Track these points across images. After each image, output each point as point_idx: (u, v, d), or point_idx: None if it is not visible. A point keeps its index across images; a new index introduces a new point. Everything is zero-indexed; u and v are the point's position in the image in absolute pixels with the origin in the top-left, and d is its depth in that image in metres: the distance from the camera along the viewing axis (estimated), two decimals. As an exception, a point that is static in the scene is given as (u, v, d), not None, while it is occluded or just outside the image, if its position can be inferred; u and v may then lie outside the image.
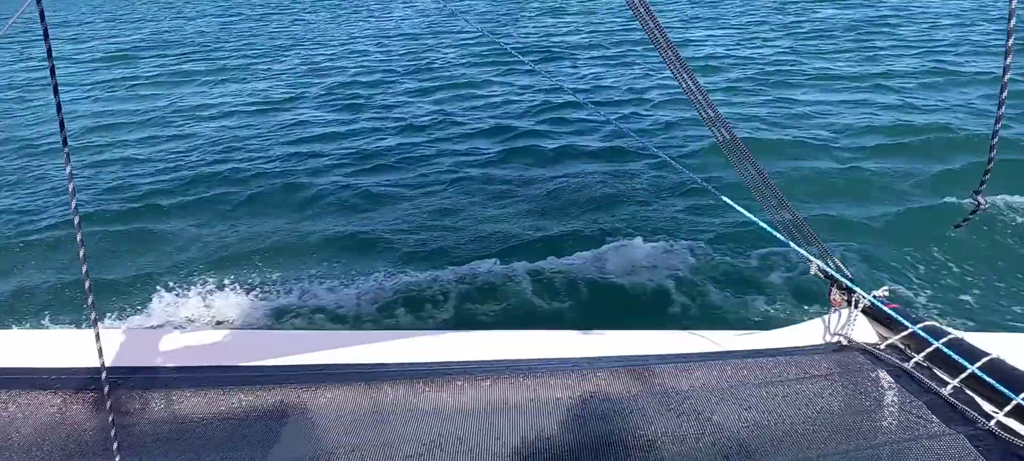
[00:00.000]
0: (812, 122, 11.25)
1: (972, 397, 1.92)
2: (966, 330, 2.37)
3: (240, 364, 2.25)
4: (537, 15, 25.39)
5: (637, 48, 18.02)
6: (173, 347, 2.33)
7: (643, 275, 6.43)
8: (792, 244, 2.72)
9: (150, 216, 8.87)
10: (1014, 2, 2.05)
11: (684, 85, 2.60)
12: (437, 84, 15.77)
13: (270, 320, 6.21)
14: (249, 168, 10.47)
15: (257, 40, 24.23)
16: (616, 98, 13.37)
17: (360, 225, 8.16)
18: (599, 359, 2.24)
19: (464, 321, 5.98)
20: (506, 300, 6.27)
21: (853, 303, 2.44)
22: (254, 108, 14.50)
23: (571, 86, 14.35)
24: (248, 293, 6.69)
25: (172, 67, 20.25)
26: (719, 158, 8.81)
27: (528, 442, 1.86)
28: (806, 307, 5.56)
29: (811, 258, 2.74)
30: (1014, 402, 1.74)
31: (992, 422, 1.77)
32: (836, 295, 2.57)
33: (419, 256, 7.19)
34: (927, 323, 2.25)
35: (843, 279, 2.59)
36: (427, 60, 18.61)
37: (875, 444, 1.76)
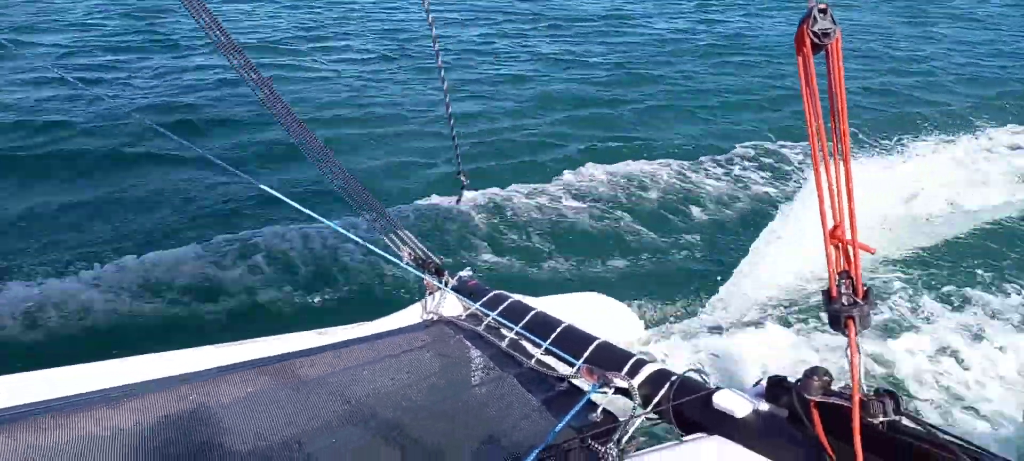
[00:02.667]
0: (385, 118, 11.33)
1: (523, 345, 2.62)
2: (531, 296, 3.15)
3: None
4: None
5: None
6: None
7: (255, 289, 6.27)
8: (382, 253, 3.24)
9: None
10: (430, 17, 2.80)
11: (263, 94, 2.89)
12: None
13: None
14: None
15: None
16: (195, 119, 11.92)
17: None
18: (218, 368, 2.37)
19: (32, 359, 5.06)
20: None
21: (443, 285, 3.04)
22: None
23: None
24: None
25: None
26: (302, 166, 8.65)
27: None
28: (407, 294, 6.13)
29: (401, 257, 3.28)
30: (543, 347, 2.47)
31: (532, 361, 2.47)
32: (429, 280, 3.15)
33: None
34: (495, 293, 2.94)
35: (432, 267, 3.18)
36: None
37: (456, 393, 2.33)
